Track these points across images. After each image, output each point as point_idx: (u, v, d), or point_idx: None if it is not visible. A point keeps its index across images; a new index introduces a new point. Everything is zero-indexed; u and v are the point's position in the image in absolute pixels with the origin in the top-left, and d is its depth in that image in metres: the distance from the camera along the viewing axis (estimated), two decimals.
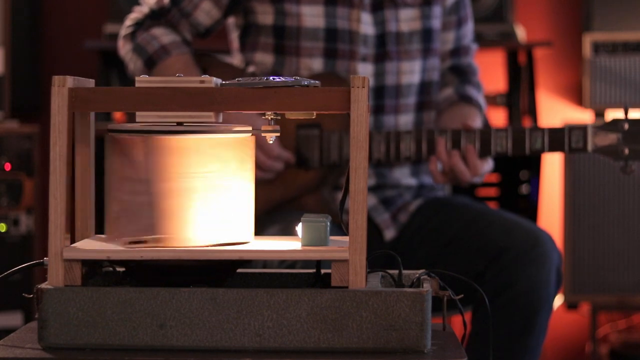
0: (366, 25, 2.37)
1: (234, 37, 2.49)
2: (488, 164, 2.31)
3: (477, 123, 2.37)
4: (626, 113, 2.23)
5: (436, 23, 2.45)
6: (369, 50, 2.37)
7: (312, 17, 2.35)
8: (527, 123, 3.46)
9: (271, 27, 2.38)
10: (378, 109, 2.39)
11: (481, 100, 2.49)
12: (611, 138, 2.23)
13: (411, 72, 2.41)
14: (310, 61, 2.36)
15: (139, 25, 2.40)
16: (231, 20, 2.49)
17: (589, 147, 2.24)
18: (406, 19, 2.40)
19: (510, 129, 2.28)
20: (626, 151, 2.23)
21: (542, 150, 2.27)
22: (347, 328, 1.38)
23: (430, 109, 2.46)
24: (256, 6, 2.39)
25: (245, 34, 2.45)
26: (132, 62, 2.38)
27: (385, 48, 2.38)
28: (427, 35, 2.43)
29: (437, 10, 2.44)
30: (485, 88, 3.55)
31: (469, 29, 2.53)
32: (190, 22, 2.39)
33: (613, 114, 3.48)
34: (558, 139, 2.25)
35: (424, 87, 2.45)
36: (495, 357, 2.14)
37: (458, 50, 2.52)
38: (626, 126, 2.23)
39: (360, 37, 2.36)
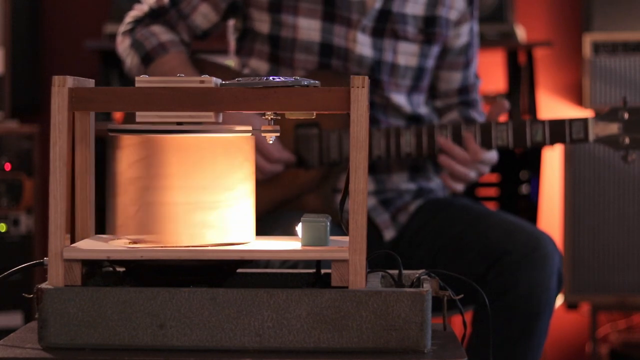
0: (364, 46, 2.35)
1: (232, 39, 2.49)
2: (491, 153, 2.30)
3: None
4: (625, 103, 2.23)
5: (430, 62, 2.44)
6: (363, 71, 2.36)
7: (309, 30, 2.34)
8: None
9: (267, 35, 2.38)
10: (372, 121, 2.38)
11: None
12: (612, 128, 2.23)
13: (398, 105, 2.40)
14: (304, 74, 2.35)
15: (138, 22, 2.41)
16: (231, 23, 2.49)
17: (590, 137, 2.23)
18: (404, 53, 2.39)
19: (510, 122, 2.28)
20: (627, 140, 2.23)
21: (544, 142, 2.26)
22: (347, 328, 1.38)
23: None
24: (254, 13, 2.39)
25: (243, 38, 2.45)
26: (130, 57, 2.38)
27: (379, 76, 2.37)
28: (420, 73, 2.42)
29: (435, 50, 2.43)
30: (485, 88, 3.56)
31: (474, 66, 2.53)
32: (187, 24, 2.39)
33: None
34: (559, 130, 2.25)
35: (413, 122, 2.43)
36: (495, 359, 2.14)
37: (466, 88, 2.51)
38: (626, 115, 2.23)
39: (356, 56, 2.35)
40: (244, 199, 1.47)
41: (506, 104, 2.33)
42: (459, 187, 2.32)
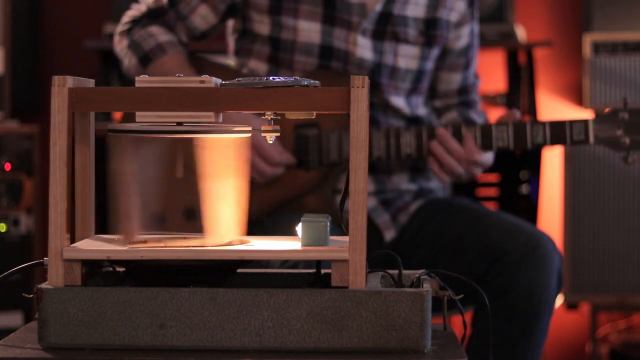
0: (364, 49, 2.35)
1: (231, 40, 2.49)
2: (487, 155, 2.30)
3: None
4: (625, 104, 2.24)
5: (430, 65, 2.44)
6: (363, 74, 2.34)
7: (309, 32, 2.34)
8: None
9: (267, 37, 2.37)
10: (372, 122, 2.38)
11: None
12: (612, 129, 2.24)
13: (397, 108, 2.40)
14: (303, 75, 2.35)
15: (136, 22, 2.40)
16: (230, 23, 2.49)
17: (591, 138, 2.24)
18: (405, 55, 2.38)
19: (511, 123, 2.28)
20: (627, 141, 2.23)
21: (544, 144, 2.26)
22: (347, 328, 1.38)
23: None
24: (253, 15, 2.38)
25: (242, 39, 2.44)
26: (127, 58, 2.38)
27: (379, 78, 2.36)
28: (420, 75, 2.42)
29: (435, 52, 2.43)
30: (485, 88, 3.55)
31: (473, 67, 2.53)
32: (186, 25, 2.38)
33: None
34: (559, 131, 2.25)
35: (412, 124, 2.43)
36: (495, 359, 2.14)
37: (465, 89, 2.51)
38: (626, 116, 2.23)
39: (356, 59, 2.34)
40: (244, 198, 1.47)
41: (517, 114, 2.32)
42: (446, 178, 2.31)
